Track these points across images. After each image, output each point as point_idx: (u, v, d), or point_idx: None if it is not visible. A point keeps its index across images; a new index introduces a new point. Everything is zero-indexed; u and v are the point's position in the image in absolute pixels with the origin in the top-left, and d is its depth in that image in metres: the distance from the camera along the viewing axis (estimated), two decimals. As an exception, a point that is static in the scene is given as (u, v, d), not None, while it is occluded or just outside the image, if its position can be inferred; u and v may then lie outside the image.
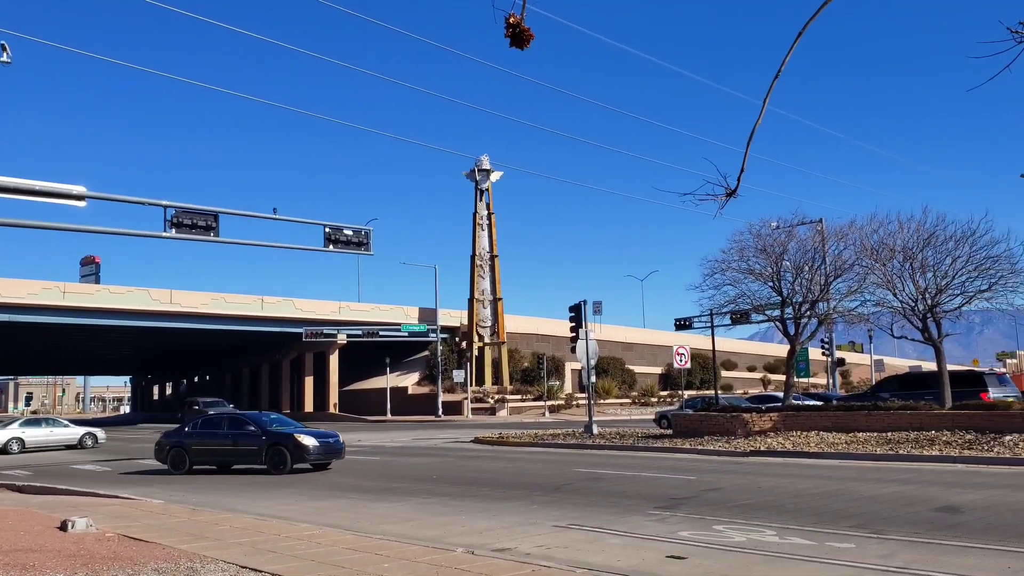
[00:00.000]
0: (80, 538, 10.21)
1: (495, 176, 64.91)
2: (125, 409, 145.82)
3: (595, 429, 29.85)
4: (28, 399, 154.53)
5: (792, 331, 28.76)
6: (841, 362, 53.01)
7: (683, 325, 45.30)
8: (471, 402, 59.35)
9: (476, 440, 31.12)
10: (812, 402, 33.98)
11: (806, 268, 27.90)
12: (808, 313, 28.72)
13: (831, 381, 47.47)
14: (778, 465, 19.06)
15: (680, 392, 55.79)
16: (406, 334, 62.60)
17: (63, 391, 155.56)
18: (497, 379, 64.37)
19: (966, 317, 26.35)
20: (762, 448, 21.76)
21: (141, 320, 57.00)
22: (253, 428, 21.05)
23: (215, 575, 8.05)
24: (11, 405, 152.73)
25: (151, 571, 8.19)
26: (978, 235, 23.69)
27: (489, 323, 64.63)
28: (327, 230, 24.96)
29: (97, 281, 55.68)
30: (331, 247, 25.01)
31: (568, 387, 66.44)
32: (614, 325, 77.67)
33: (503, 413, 57.93)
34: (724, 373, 71.79)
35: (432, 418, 56.75)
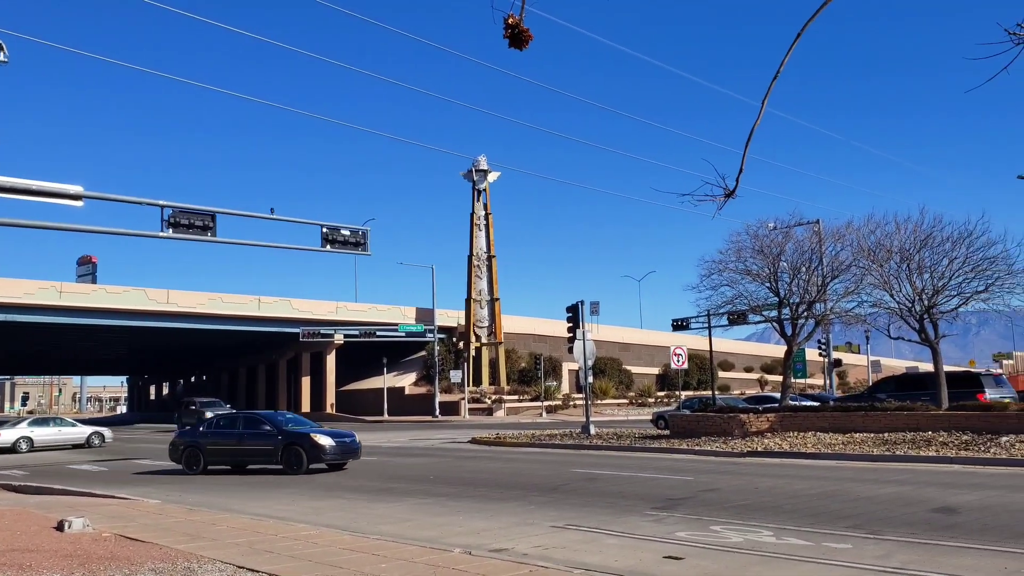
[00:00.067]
0: (77, 538, 10.19)
1: (493, 176, 64.90)
2: (122, 409, 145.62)
3: (592, 429, 29.85)
4: (24, 399, 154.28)
5: (789, 332, 28.78)
6: (838, 363, 53.09)
7: (680, 326, 45.29)
8: (468, 402, 59.32)
9: (473, 440, 31.11)
10: (809, 403, 34.02)
11: (803, 269, 27.92)
12: (805, 314, 28.74)
13: (828, 382, 47.53)
14: (775, 466, 19.07)
15: (677, 393, 55.82)
16: (403, 334, 62.56)
17: (59, 391, 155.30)
18: (494, 379, 64.36)
19: (963, 318, 26.35)
20: (759, 449, 21.78)
21: (138, 320, 56.91)
22: (269, 428, 20.91)
23: (212, 575, 8.04)
24: (7, 405, 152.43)
25: (148, 571, 8.18)
26: (975, 236, 23.71)
27: (486, 323, 64.61)
28: (324, 230, 24.94)
29: (94, 281, 55.44)
30: (328, 247, 24.99)
31: (565, 387, 66.44)
32: (611, 326, 77.72)
33: (500, 413, 57.91)
34: (721, 374, 71.82)
35: (429, 418, 56.72)
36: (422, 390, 63.61)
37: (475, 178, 64.29)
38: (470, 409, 58.72)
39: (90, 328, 58.43)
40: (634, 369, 72.60)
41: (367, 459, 23.37)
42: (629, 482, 16.28)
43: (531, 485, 16.20)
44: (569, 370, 66.95)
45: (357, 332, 62.59)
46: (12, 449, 33.85)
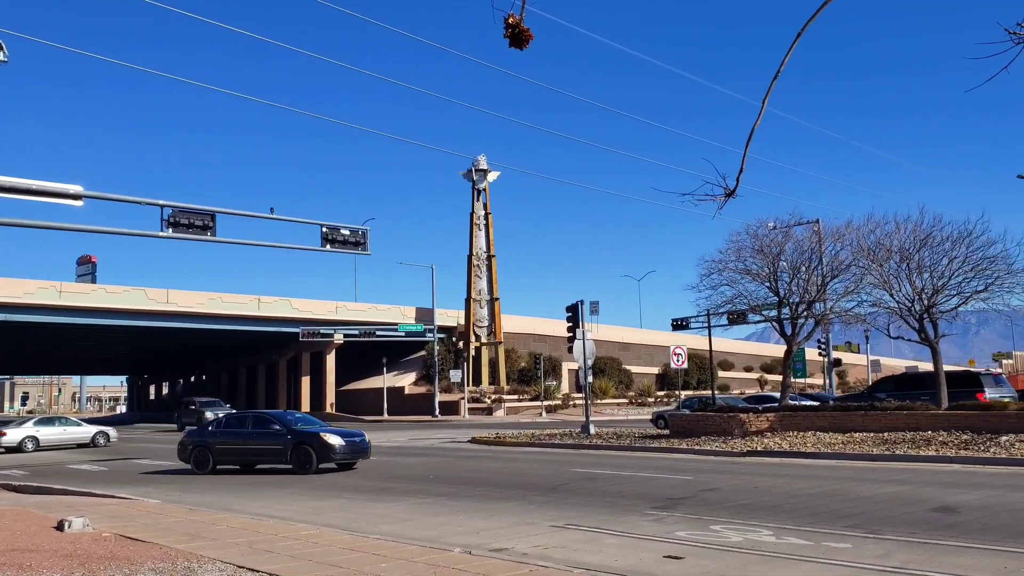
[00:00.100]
0: (77, 538, 10.19)
1: (492, 176, 64.90)
2: (121, 409, 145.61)
3: (592, 429, 29.86)
4: (24, 399, 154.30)
5: (789, 331, 28.78)
6: (838, 362, 53.10)
7: (680, 325, 45.33)
8: (468, 402, 59.34)
9: (473, 440, 31.11)
10: (809, 402, 34.02)
11: (803, 268, 27.93)
12: (805, 313, 28.74)
13: (828, 381, 47.54)
14: (775, 465, 19.08)
15: (677, 392, 55.83)
16: (403, 334, 62.56)
17: (59, 391, 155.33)
18: (494, 379, 64.37)
19: (962, 318, 26.37)
20: (759, 448, 21.78)
21: (137, 320, 56.90)
22: (278, 427, 20.81)
23: (212, 575, 8.04)
24: (7, 405, 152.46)
25: (148, 571, 8.18)
26: (975, 236, 23.72)
27: (486, 323, 64.61)
28: (324, 230, 24.95)
29: (93, 280, 55.57)
30: (328, 247, 25.00)
31: (565, 387, 66.45)
32: (611, 325, 77.72)
33: (500, 413, 57.91)
34: (721, 373, 71.84)
35: (429, 418, 56.73)
36: (422, 390, 63.61)
37: (475, 178, 64.29)
38: (470, 409, 58.73)
39: (90, 328, 58.43)
40: (634, 369, 72.62)
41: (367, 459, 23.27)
42: (629, 482, 16.28)
43: (531, 485, 16.20)
44: (569, 370, 66.97)
45: (357, 332, 62.59)
46: (18, 448, 34.01)
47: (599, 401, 60.12)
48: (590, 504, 13.14)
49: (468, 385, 60.90)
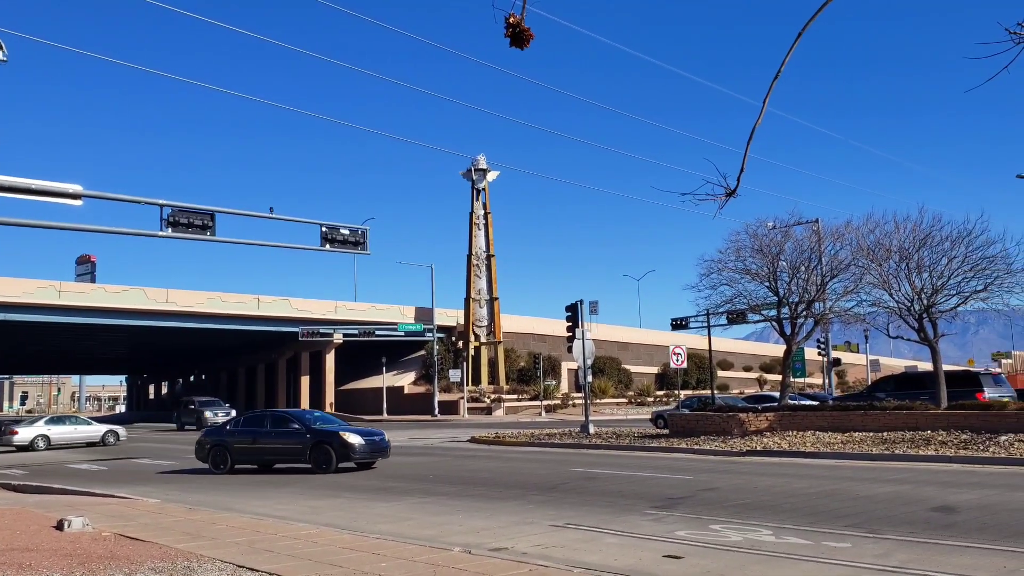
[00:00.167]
0: (76, 537, 10.19)
1: (492, 176, 64.87)
2: (121, 408, 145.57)
3: (591, 429, 29.85)
4: (23, 398, 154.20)
5: (788, 331, 28.79)
6: (837, 362, 53.08)
7: (679, 325, 45.33)
8: (467, 401, 59.33)
9: (472, 439, 31.12)
10: (808, 402, 34.04)
11: (802, 268, 27.94)
12: (804, 313, 28.75)
13: (827, 381, 47.53)
14: (774, 465, 19.08)
15: (676, 392, 55.81)
16: (402, 333, 62.53)
17: (58, 390, 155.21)
18: (493, 379, 64.36)
19: (962, 317, 26.40)
20: (758, 448, 21.79)
21: (137, 319, 56.86)
22: (297, 426, 20.65)
23: (212, 574, 8.04)
24: (6, 404, 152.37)
25: (148, 570, 8.17)
26: (974, 235, 23.76)
27: (485, 323, 64.60)
28: (324, 229, 24.93)
29: (93, 280, 55.66)
30: (328, 246, 24.97)
31: (564, 387, 66.44)
32: (610, 325, 77.71)
33: (499, 413, 57.91)
34: (720, 373, 71.82)
35: (428, 417, 56.72)
36: (421, 389, 63.60)
37: (474, 177, 64.26)
38: (469, 408, 58.72)
39: (89, 327, 58.39)
40: (633, 368, 72.61)
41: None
42: (628, 481, 16.29)
43: (530, 484, 16.20)
44: (568, 369, 66.94)
45: (356, 331, 62.57)
46: (30, 447, 34.29)
47: (598, 401, 60.12)
48: (590, 503, 13.14)
49: (467, 385, 60.89)
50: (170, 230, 21.91)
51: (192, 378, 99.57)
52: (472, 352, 64.11)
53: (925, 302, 24.13)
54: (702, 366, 61.79)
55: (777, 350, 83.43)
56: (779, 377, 41.58)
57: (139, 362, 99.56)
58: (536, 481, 16.79)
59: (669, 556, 8.84)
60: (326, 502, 14.62)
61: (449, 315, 66.45)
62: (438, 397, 59.10)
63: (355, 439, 20.08)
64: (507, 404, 59.42)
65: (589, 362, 31.26)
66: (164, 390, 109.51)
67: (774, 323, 29.85)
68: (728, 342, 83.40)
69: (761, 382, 77.37)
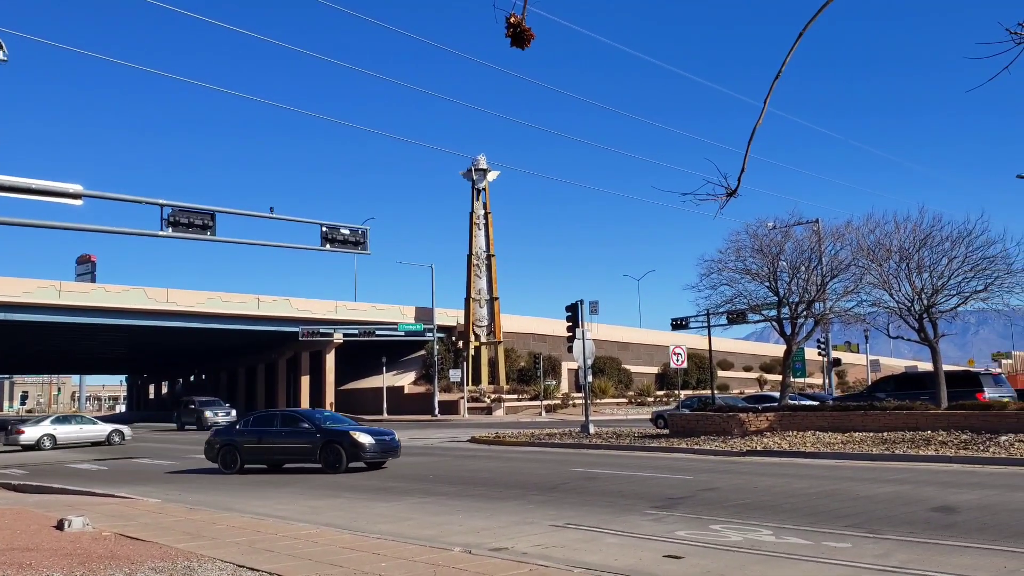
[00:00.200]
0: (77, 537, 10.19)
1: (492, 176, 64.86)
2: (121, 408, 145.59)
3: (591, 428, 29.85)
4: (23, 398, 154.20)
5: (788, 331, 28.79)
6: (837, 362, 53.08)
7: (679, 325, 45.32)
8: (467, 401, 59.33)
9: (472, 439, 31.11)
10: (808, 402, 34.04)
11: (802, 268, 27.94)
12: (804, 313, 28.75)
13: (827, 381, 47.54)
14: (774, 465, 19.08)
15: (676, 392, 55.81)
16: (402, 333, 62.52)
17: (58, 390, 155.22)
18: (493, 379, 64.36)
19: (962, 317, 26.38)
20: (758, 448, 21.79)
21: (137, 319, 56.85)
22: (307, 425, 20.54)
23: (212, 574, 8.04)
24: (6, 404, 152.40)
25: (148, 570, 8.17)
26: (974, 236, 23.75)
27: (486, 322, 64.59)
28: (324, 229, 24.93)
29: (93, 280, 55.63)
30: (328, 246, 24.98)
31: (564, 387, 66.43)
32: (611, 325, 77.72)
33: (499, 412, 57.91)
34: (720, 373, 71.83)
35: (428, 417, 56.72)
36: (421, 389, 63.60)
37: (474, 177, 64.26)
38: (469, 408, 58.72)
39: (89, 327, 58.37)
40: (633, 368, 72.61)
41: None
42: (628, 481, 16.29)
43: (530, 484, 16.20)
44: (568, 369, 66.94)
45: (356, 331, 62.57)
46: (36, 446, 34.46)
47: (598, 401, 60.12)
48: (590, 503, 13.14)
49: (467, 384, 60.88)
50: (170, 230, 21.91)
51: (192, 378, 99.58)
52: (472, 352, 64.11)
53: (925, 302, 24.12)
54: (702, 366, 61.80)
55: (777, 350, 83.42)
56: (779, 377, 41.58)
57: (139, 362, 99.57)
58: (536, 481, 16.79)
59: (669, 556, 8.84)
60: (326, 502, 14.62)
61: (449, 315, 66.45)
62: (438, 397, 59.10)
63: (366, 439, 19.95)
64: (507, 404, 59.42)
65: (589, 362, 31.26)
66: (164, 390, 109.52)
67: (774, 323, 29.85)
68: (728, 342, 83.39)
69: (761, 382, 77.38)
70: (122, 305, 54.87)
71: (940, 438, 20.39)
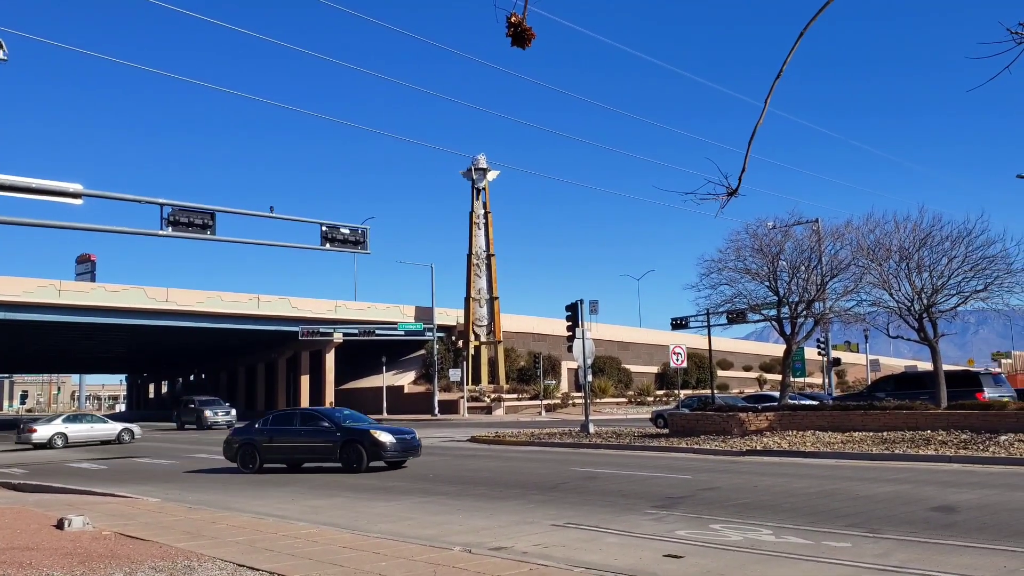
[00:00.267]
0: (77, 536, 10.19)
1: (492, 175, 64.86)
2: (120, 407, 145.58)
3: (591, 428, 29.86)
4: (23, 397, 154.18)
5: (788, 331, 28.80)
6: (837, 362, 53.07)
7: (679, 324, 45.33)
8: (467, 401, 59.33)
9: (472, 439, 31.12)
10: (808, 401, 34.04)
11: (802, 268, 27.95)
12: (804, 313, 28.76)
13: (827, 381, 47.54)
14: (774, 464, 19.08)
15: (676, 391, 55.82)
16: (402, 333, 62.53)
17: (58, 389, 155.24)
18: (493, 378, 64.36)
19: (962, 317, 26.42)
20: (758, 447, 21.79)
21: (137, 318, 56.85)
22: (327, 424, 20.36)
23: (212, 573, 8.04)
24: (6, 403, 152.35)
25: (148, 569, 8.18)
26: (974, 235, 23.78)
27: (485, 322, 64.60)
28: (324, 229, 24.93)
29: (93, 279, 55.62)
30: (328, 246, 24.98)
31: (564, 386, 66.44)
32: (611, 324, 77.72)
33: (499, 412, 57.91)
34: (720, 372, 71.82)
35: (428, 417, 56.72)
36: (421, 389, 63.60)
37: (474, 177, 64.26)
38: (469, 408, 58.72)
39: (89, 326, 58.38)
40: (633, 368, 72.62)
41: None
42: (628, 481, 16.29)
43: (530, 484, 16.21)
44: (568, 369, 66.95)
45: (356, 331, 62.57)
46: (48, 445, 34.68)
47: (598, 400, 60.12)
48: (590, 503, 13.14)
49: (467, 384, 60.88)
50: (170, 229, 21.91)
51: (192, 377, 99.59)
52: (472, 351, 64.11)
53: (925, 302, 24.13)
54: (702, 366, 61.82)
55: (777, 350, 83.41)
56: (779, 377, 41.57)
57: (139, 361, 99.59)
58: (536, 481, 16.79)
59: (669, 555, 8.85)
60: (326, 501, 14.63)
61: (449, 315, 66.46)
62: (438, 396, 59.11)
63: (386, 437, 19.75)
64: (507, 403, 59.42)
65: (589, 362, 31.27)
66: (164, 389, 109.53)
67: (774, 323, 29.86)
68: (728, 342, 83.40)
69: (761, 382, 77.38)
70: (122, 304, 54.88)
71: (940, 438, 20.39)
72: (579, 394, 58.73)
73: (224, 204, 25.08)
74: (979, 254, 23.75)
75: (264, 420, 22.11)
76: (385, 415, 59.67)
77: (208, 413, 52.61)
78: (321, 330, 61.67)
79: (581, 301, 31.93)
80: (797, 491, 14.02)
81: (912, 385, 27.94)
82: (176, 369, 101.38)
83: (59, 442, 34.95)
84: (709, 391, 45.81)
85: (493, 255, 65.03)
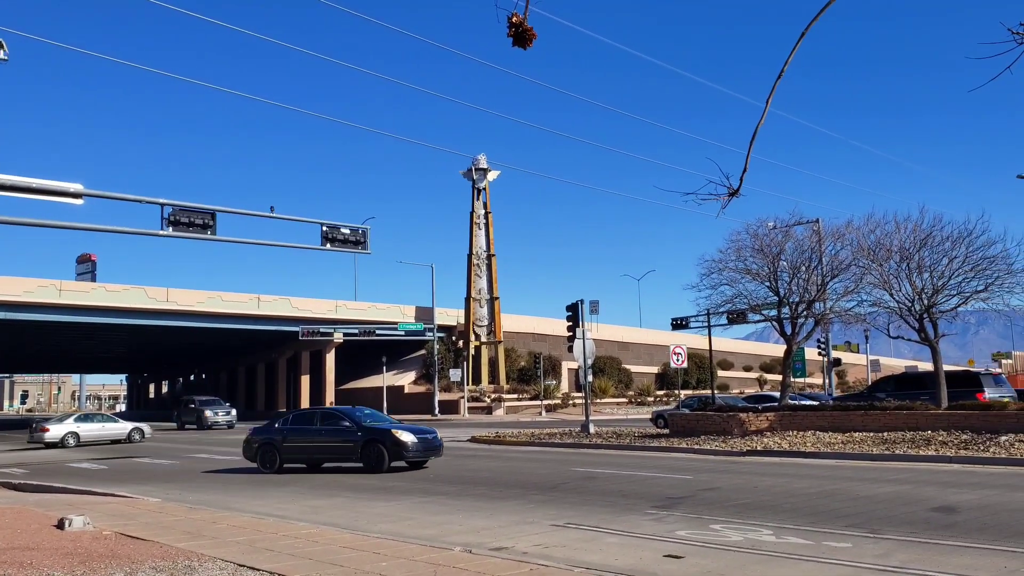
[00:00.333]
0: (77, 536, 10.19)
1: (492, 175, 64.88)
2: (121, 407, 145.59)
3: (592, 428, 29.86)
4: (24, 397, 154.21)
5: (789, 331, 28.79)
6: (837, 362, 53.09)
7: (680, 325, 45.31)
8: (468, 401, 59.34)
9: (473, 439, 31.12)
10: (808, 402, 34.04)
11: (803, 268, 27.94)
12: (805, 313, 28.75)
13: (827, 381, 47.55)
14: (775, 465, 19.08)
15: (676, 392, 55.82)
16: (403, 333, 62.52)
17: (59, 389, 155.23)
18: (494, 378, 64.37)
19: (962, 317, 26.39)
20: (759, 448, 21.79)
21: (137, 318, 56.87)
22: (348, 424, 20.17)
23: (213, 573, 8.04)
24: (7, 403, 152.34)
25: (149, 569, 8.18)
26: (975, 236, 23.76)
27: (486, 322, 64.61)
28: (324, 229, 24.94)
29: (93, 279, 55.61)
30: (328, 246, 24.98)
31: (565, 386, 66.46)
32: (611, 325, 77.74)
33: (500, 412, 57.92)
34: (720, 373, 71.86)
35: (428, 417, 56.70)
36: (421, 389, 63.60)
37: (475, 177, 64.27)
38: (469, 408, 58.73)
39: (89, 326, 58.40)
40: (633, 368, 72.64)
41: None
42: (629, 481, 16.28)
43: (531, 484, 16.21)
44: (568, 369, 66.97)
45: (356, 331, 62.58)
46: (60, 444, 34.92)
47: (599, 400, 60.13)
48: (590, 503, 13.14)
49: (468, 384, 60.89)
50: (171, 229, 21.91)
51: (192, 377, 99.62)
52: (472, 352, 64.12)
53: (926, 302, 24.12)
54: (702, 366, 61.85)
55: (777, 350, 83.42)
56: (779, 377, 41.58)
57: (139, 361, 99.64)
58: (536, 481, 16.78)
59: (670, 556, 8.84)
60: (326, 501, 14.63)
61: (449, 315, 66.46)
62: (438, 396, 59.11)
63: (408, 437, 19.54)
64: (507, 404, 59.43)
65: (589, 362, 31.27)
66: (164, 389, 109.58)
67: (774, 323, 29.85)
68: (728, 342, 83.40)
69: (761, 382, 77.39)
70: (122, 304, 54.89)
71: (940, 438, 20.39)
72: (579, 394, 58.75)
73: (224, 204, 25.09)
74: (980, 254, 23.75)
75: (284, 420, 21.90)
76: (385, 415, 59.67)
77: (208, 413, 52.62)
78: (321, 330, 61.68)
79: (581, 301, 31.93)
80: (797, 491, 14.02)
81: (912, 385, 27.93)
82: (176, 369, 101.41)
83: (71, 441, 35.21)
84: (709, 391, 45.81)
85: (493, 255, 65.05)
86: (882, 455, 19.22)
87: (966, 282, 24.09)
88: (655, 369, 75.30)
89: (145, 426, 38.22)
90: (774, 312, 29.51)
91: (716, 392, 42.57)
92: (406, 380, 65.88)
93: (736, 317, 36.47)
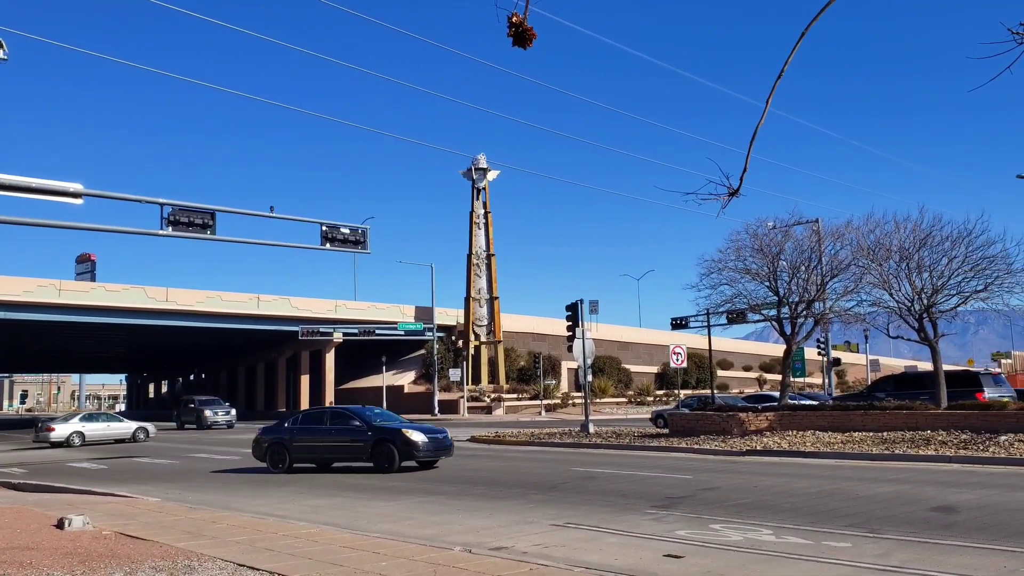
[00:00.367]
0: (77, 536, 10.19)
1: (492, 175, 64.88)
2: (120, 407, 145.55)
3: (591, 428, 29.86)
4: (23, 397, 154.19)
5: (788, 331, 28.79)
6: (837, 362, 53.08)
7: (679, 324, 45.33)
8: (467, 401, 59.34)
9: (472, 439, 31.11)
10: (808, 401, 34.05)
11: (802, 268, 27.95)
12: (804, 313, 28.75)
13: (827, 381, 47.56)
14: (774, 464, 19.08)
15: (676, 391, 55.82)
16: (402, 333, 62.53)
17: (58, 389, 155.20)
18: (493, 378, 64.37)
19: (962, 317, 26.42)
20: (758, 447, 21.79)
21: (137, 318, 56.86)
22: (358, 423, 20.08)
23: (212, 573, 8.04)
24: (6, 403, 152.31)
25: (148, 569, 8.18)
26: (974, 235, 23.78)
27: (485, 322, 64.60)
28: (324, 228, 24.93)
29: (93, 279, 55.57)
30: (328, 245, 24.97)
31: (564, 386, 66.45)
32: (611, 324, 77.72)
33: (499, 412, 57.93)
34: (720, 372, 71.83)
35: (428, 417, 56.67)
36: (421, 388, 63.60)
37: (474, 176, 64.27)
38: (469, 408, 58.72)
39: (89, 326, 58.40)
40: (633, 368, 72.62)
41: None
42: (628, 480, 16.29)
43: (530, 483, 16.21)
44: (568, 369, 66.96)
45: (356, 330, 62.58)
46: (66, 443, 34.98)
47: (598, 400, 60.11)
48: (590, 503, 13.14)
49: (467, 384, 60.89)
50: (170, 229, 21.90)
51: (192, 377, 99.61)
52: (472, 351, 64.12)
53: (925, 302, 24.13)
54: (702, 366, 61.80)
55: (777, 350, 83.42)
56: (779, 377, 41.57)
57: (139, 361, 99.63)
58: (536, 480, 16.79)
59: (669, 555, 8.85)
60: (326, 501, 14.63)
61: (449, 314, 66.46)
62: (438, 396, 59.12)
63: (419, 437, 19.46)
64: (507, 403, 59.43)
65: (589, 361, 31.27)
66: (164, 389, 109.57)
67: (774, 323, 29.86)
68: (728, 342, 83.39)
69: (761, 382, 77.38)
70: (122, 304, 54.89)
71: (940, 438, 20.39)
72: (579, 394, 58.74)
73: (224, 204, 25.06)
74: (979, 254, 23.77)
75: (294, 419, 21.82)
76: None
77: (208, 413, 52.60)
78: (321, 330, 61.68)
79: (581, 301, 31.93)
80: (797, 491, 14.02)
81: (912, 385, 27.93)
82: (176, 369, 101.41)
83: (77, 440, 35.27)
84: (709, 391, 45.81)
85: (493, 255, 65.05)
86: (882, 455, 19.22)
87: (966, 282, 24.12)
88: (655, 369, 75.30)
89: (150, 425, 38.30)
90: (774, 312, 29.52)
91: (716, 392, 42.57)
92: (406, 380, 65.87)
93: (736, 317, 36.48)
